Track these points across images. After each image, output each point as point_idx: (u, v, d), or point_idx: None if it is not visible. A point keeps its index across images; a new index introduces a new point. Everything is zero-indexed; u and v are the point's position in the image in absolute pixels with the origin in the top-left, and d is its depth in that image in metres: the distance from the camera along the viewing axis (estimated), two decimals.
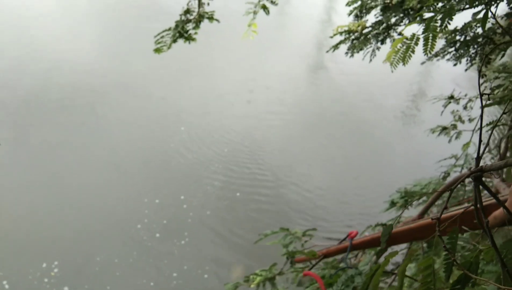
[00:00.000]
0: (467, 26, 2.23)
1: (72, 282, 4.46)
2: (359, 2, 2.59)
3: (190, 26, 2.83)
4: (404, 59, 1.50)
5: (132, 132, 6.72)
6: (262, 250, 3.30)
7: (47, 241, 4.87)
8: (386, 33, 2.65)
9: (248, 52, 9.18)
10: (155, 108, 7.31)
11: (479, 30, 2.19)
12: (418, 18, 1.69)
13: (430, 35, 1.27)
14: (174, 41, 2.79)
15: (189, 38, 2.79)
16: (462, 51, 2.35)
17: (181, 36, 2.81)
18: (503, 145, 2.13)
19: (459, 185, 2.60)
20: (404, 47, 1.49)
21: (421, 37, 1.33)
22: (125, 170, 5.99)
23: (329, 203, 5.80)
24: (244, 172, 6.19)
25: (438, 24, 1.35)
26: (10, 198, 5.38)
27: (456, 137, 2.98)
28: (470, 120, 3.09)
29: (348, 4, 2.60)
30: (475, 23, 2.22)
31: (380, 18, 2.58)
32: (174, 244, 4.99)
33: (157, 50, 2.71)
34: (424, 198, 2.64)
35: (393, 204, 2.60)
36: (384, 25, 2.58)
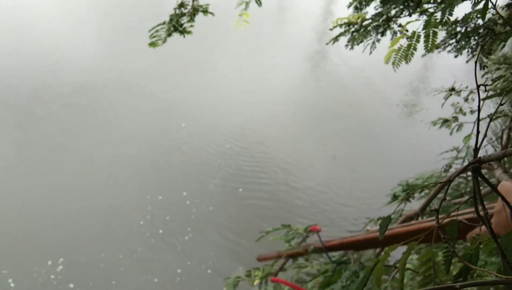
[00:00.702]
0: (467, 17, 2.21)
1: (77, 279, 4.48)
2: None
3: (184, 19, 2.81)
4: (407, 57, 1.50)
5: (133, 129, 6.73)
6: (264, 245, 3.30)
7: (51, 238, 4.90)
8: (386, 25, 2.62)
9: (248, 46, 9.15)
10: (156, 105, 7.31)
11: (480, 21, 2.17)
12: (418, 12, 1.68)
13: (431, 31, 1.26)
14: (169, 34, 2.77)
15: (184, 32, 2.77)
16: (463, 43, 2.33)
17: (175, 29, 2.79)
18: (505, 136, 2.12)
19: (461, 178, 2.59)
20: (406, 45, 1.48)
21: (421, 34, 1.32)
22: (128, 168, 6.00)
23: (330, 198, 5.80)
24: (245, 168, 6.20)
25: (438, 19, 1.34)
26: (14, 196, 5.40)
27: (457, 130, 2.96)
28: (472, 112, 3.08)
29: None
30: (475, 14, 2.20)
31: (380, 10, 2.55)
32: (178, 240, 5.01)
33: (152, 44, 2.69)
34: (426, 190, 2.64)
35: (395, 197, 2.59)
36: (384, 17, 2.56)
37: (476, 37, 2.34)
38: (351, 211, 5.50)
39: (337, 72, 8.86)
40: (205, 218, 5.35)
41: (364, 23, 2.70)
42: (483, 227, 0.86)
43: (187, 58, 8.34)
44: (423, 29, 1.35)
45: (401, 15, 2.54)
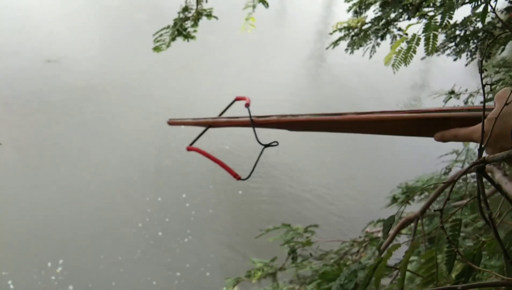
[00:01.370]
0: (467, 21, 2.23)
1: (77, 280, 4.48)
2: None
3: (188, 24, 2.83)
4: (406, 59, 1.51)
5: (133, 131, 6.73)
6: (264, 247, 3.31)
7: (51, 240, 4.90)
8: (385, 29, 2.64)
9: (249, 48, 9.17)
10: (156, 107, 7.32)
11: (479, 25, 2.19)
12: (418, 16, 1.69)
13: (431, 34, 1.28)
14: (173, 39, 2.79)
15: (188, 36, 2.79)
16: (462, 46, 2.34)
17: (179, 34, 2.81)
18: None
19: (461, 181, 2.60)
20: (405, 47, 1.49)
21: (421, 37, 1.34)
22: (128, 169, 6.00)
23: (330, 200, 5.81)
24: (245, 169, 6.20)
25: (438, 22, 1.35)
26: (13, 198, 5.40)
27: None
28: None
29: (347, 1, 2.59)
30: (474, 17, 2.22)
31: (379, 14, 2.57)
32: (177, 242, 5.01)
33: (156, 49, 2.71)
34: (426, 193, 2.65)
35: (394, 199, 2.60)
36: (384, 21, 2.57)
37: (475, 40, 2.35)
38: (350, 213, 5.50)
39: (338, 73, 8.89)
40: (204, 220, 5.35)
41: (363, 27, 2.71)
42: (464, 129, 0.75)
43: (187, 60, 8.35)
44: (423, 32, 1.37)
45: (401, 19, 2.56)
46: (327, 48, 2.66)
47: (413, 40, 1.45)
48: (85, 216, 5.23)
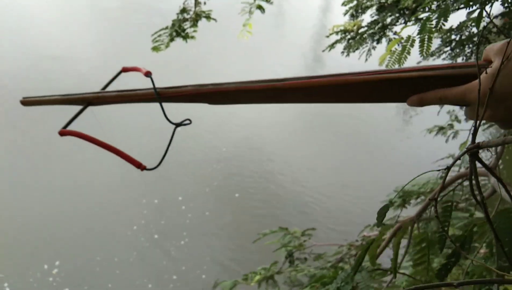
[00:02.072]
0: (462, 26, 2.24)
1: (73, 283, 4.46)
2: (355, 2, 2.60)
3: (187, 24, 2.83)
4: (400, 60, 1.52)
5: (130, 132, 6.72)
6: (261, 250, 3.31)
7: (47, 241, 4.88)
8: (382, 33, 2.65)
9: (246, 50, 9.19)
10: (153, 108, 7.31)
11: (475, 30, 2.20)
12: (413, 19, 1.70)
13: (426, 36, 1.28)
14: (172, 39, 2.80)
15: (187, 37, 2.80)
16: (457, 50, 2.36)
17: (178, 34, 2.81)
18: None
19: (456, 184, 2.61)
20: (400, 48, 1.50)
21: (416, 38, 1.34)
22: (124, 171, 5.99)
23: (327, 203, 5.81)
24: (242, 173, 6.20)
25: (433, 25, 1.36)
26: (9, 200, 5.37)
27: (453, 137, 2.99)
28: (467, 119, 3.10)
29: (343, 4, 2.60)
30: (470, 22, 2.23)
31: (375, 17, 2.58)
32: (173, 245, 4.99)
33: (155, 49, 2.72)
34: (422, 197, 2.65)
35: (391, 203, 2.61)
36: (380, 24, 2.59)
37: (471, 45, 2.37)
38: (347, 217, 5.51)
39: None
40: (200, 223, 5.34)
41: (360, 31, 2.72)
42: (454, 89, 0.61)
43: (185, 61, 8.35)
44: (418, 34, 1.37)
45: (397, 23, 2.57)
46: (323, 51, 2.68)
47: (408, 41, 1.45)
48: (81, 217, 5.21)
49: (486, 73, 0.58)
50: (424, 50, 1.35)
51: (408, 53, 1.44)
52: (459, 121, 3.14)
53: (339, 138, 7.22)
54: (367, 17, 2.59)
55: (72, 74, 8.00)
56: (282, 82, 0.71)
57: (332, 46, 2.67)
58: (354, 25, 2.58)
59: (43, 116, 6.93)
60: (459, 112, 3.12)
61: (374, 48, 2.46)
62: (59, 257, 4.67)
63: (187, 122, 0.95)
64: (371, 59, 2.50)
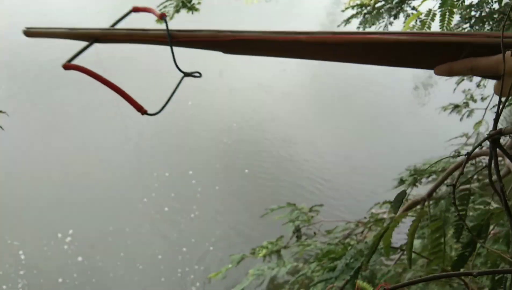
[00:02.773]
0: (483, 2, 2.16)
1: (85, 252, 4.58)
2: None
3: None
4: None
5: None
6: (268, 224, 3.34)
7: (60, 211, 4.99)
8: (399, 8, 2.57)
9: (259, 22, 9.03)
10: (163, 83, 7.29)
11: (496, 6, 2.12)
12: None
13: (447, 10, 1.24)
14: (177, 11, 2.74)
15: (192, 8, 2.74)
16: (477, 28, 2.28)
17: (184, 6, 2.76)
18: None
19: (469, 165, 2.58)
20: (420, 23, 1.45)
21: (437, 12, 1.30)
22: (136, 145, 6.05)
23: (337, 181, 5.82)
24: (252, 148, 6.21)
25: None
26: (22, 171, 5.48)
27: (468, 115, 2.93)
28: (483, 98, 3.03)
29: None
30: None
31: None
32: (183, 217, 5.08)
33: (160, 21, 2.67)
34: (434, 176, 2.64)
35: (402, 181, 2.60)
36: None
37: (491, 22, 2.29)
38: (356, 195, 5.52)
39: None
40: (210, 197, 5.41)
41: (377, 5, 2.64)
42: (485, 59, 0.59)
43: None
44: (439, 7, 1.32)
45: None
46: (338, 26, 2.61)
47: (428, 16, 1.40)
48: (93, 188, 5.31)
49: None
50: (445, 25, 1.30)
51: (429, 28, 1.40)
52: (474, 101, 3.08)
53: (350, 113, 7.16)
54: None
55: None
56: (307, 35, 0.67)
57: (347, 20, 2.60)
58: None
59: (58, 90, 6.97)
60: (476, 90, 3.05)
61: (391, 23, 2.40)
62: (72, 226, 4.79)
63: (197, 74, 0.91)
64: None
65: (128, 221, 4.96)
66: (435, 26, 1.38)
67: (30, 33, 0.86)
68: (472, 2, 2.27)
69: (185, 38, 0.80)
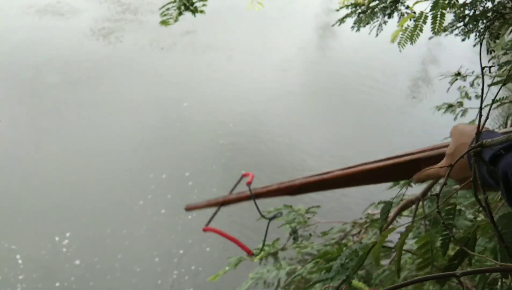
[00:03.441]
0: (476, 0, 2.17)
1: (83, 255, 4.57)
2: None
3: None
4: (412, 38, 1.48)
5: (139, 107, 6.73)
6: (265, 226, 3.33)
7: (57, 214, 4.98)
8: (393, 7, 2.57)
9: (255, 25, 9.04)
10: (160, 83, 7.29)
11: (489, 4, 2.13)
12: None
13: (439, 12, 1.24)
14: (180, 13, 2.74)
15: (195, 11, 2.74)
16: (471, 26, 2.29)
17: (186, 8, 2.76)
18: (509, 122, 2.10)
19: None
20: (412, 25, 1.46)
21: (429, 15, 1.30)
22: (132, 147, 6.04)
23: None
24: (249, 148, 6.21)
25: (446, 1, 1.31)
26: (20, 173, 5.46)
27: (462, 115, 2.94)
28: (477, 96, 3.05)
29: None
30: None
31: None
32: (181, 219, 5.07)
33: (164, 23, 2.66)
34: None
35: (396, 182, 2.59)
36: None
37: (485, 21, 2.30)
38: (351, 195, 5.52)
39: (348, 47, 8.74)
40: (207, 198, 5.40)
41: (371, 4, 2.65)
42: (432, 168, 0.83)
43: (191, 36, 8.26)
44: (431, 10, 1.33)
45: None
46: (333, 26, 2.62)
47: (420, 18, 1.41)
48: (90, 191, 5.30)
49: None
50: (437, 27, 1.31)
51: (421, 30, 1.41)
52: (469, 98, 3.08)
53: (347, 113, 7.17)
54: None
55: (76, 48, 7.96)
56: (327, 174, 1.07)
57: (342, 20, 2.61)
58: None
59: (52, 90, 6.95)
60: (469, 89, 3.06)
61: (385, 22, 2.40)
62: (69, 229, 4.78)
63: (279, 214, 1.34)
64: (382, 34, 2.44)
65: (125, 223, 4.95)
66: (427, 27, 1.38)
67: (188, 208, 1.41)
68: (465, 0, 2.27)
69: (263, 192, 1.27)
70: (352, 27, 2.60)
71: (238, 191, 1.33)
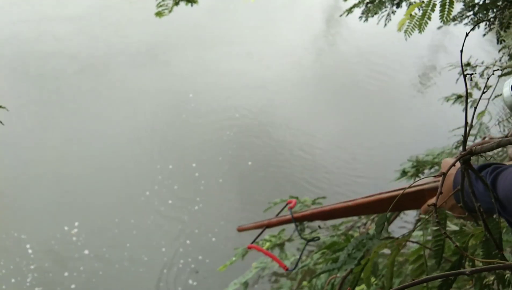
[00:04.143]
0: None
1: (92, 244, 4.62)
2: None
3: None
4: (420, 26, 1.45)
5: (146, 98, 6.74)
6: (271, 217, 3.34)
7: (65, 204, 5.04)
8: None
9: (260, 19, 8.98)
10: (169, 75, 7.29)
11: None
12: None
13: (447, 1, 1.22)
14: (176, 3, 2.73)
15: (191, 1, 2.73)
16: (480, 15, 2.25)
17: None
18: None
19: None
20: (420, 13, 1.43)
21: (437, 3, 1.28)
22: (140, 137, 6.07)
23: (339, 173, 5.82)
24: (255, 141, 6.21)
25: None
26: (28, 163, 5.51)
27: (471, 106, 2.90)
28: (487, 87, 3.00)
29: None
30: None
31: None
32: (187, 209, 5.11)
33: (159, 14, 2.66)
34: (436, 167, 2.62)
35: (404, 173, 2.59)
36: None
37: (495, 10, 2.26)
38: (358, 187, 5.52)
39: (356, 35, 8.65)
40: (214, 189, 5.42)
41: None
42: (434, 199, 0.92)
43: (193, 28, 8.22)
44: None
45: None
46: (340, 16, 2.59)
47: (429, 6, 1.39)
48: (97, 181, 5.35)
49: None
50: (445, 16, 1.28)
51: (429, 18, 1.38)
52: (479, 88, 3.05)
53: (353, 106, 7.12)
54: None
55: (84, 39, 7.97)
56: (351, 201, 1.33)
57: (350, 10, 2.58)
58: None
59: (60, 82, 6.98)
60: (479, 79, 3.02)
61: (393, 12, 2.37)
62: (77, 219, 4.83)
63: (316, 238, 1.72)
64: (390, 24, 2.41)
65: (132, 213, 5.00)
66: (435, 16, 1.36)
67: (240, 229, 1.70)
68: None
69: (300, 217, 1.51)
70: (360, 17, 2.57)
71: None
